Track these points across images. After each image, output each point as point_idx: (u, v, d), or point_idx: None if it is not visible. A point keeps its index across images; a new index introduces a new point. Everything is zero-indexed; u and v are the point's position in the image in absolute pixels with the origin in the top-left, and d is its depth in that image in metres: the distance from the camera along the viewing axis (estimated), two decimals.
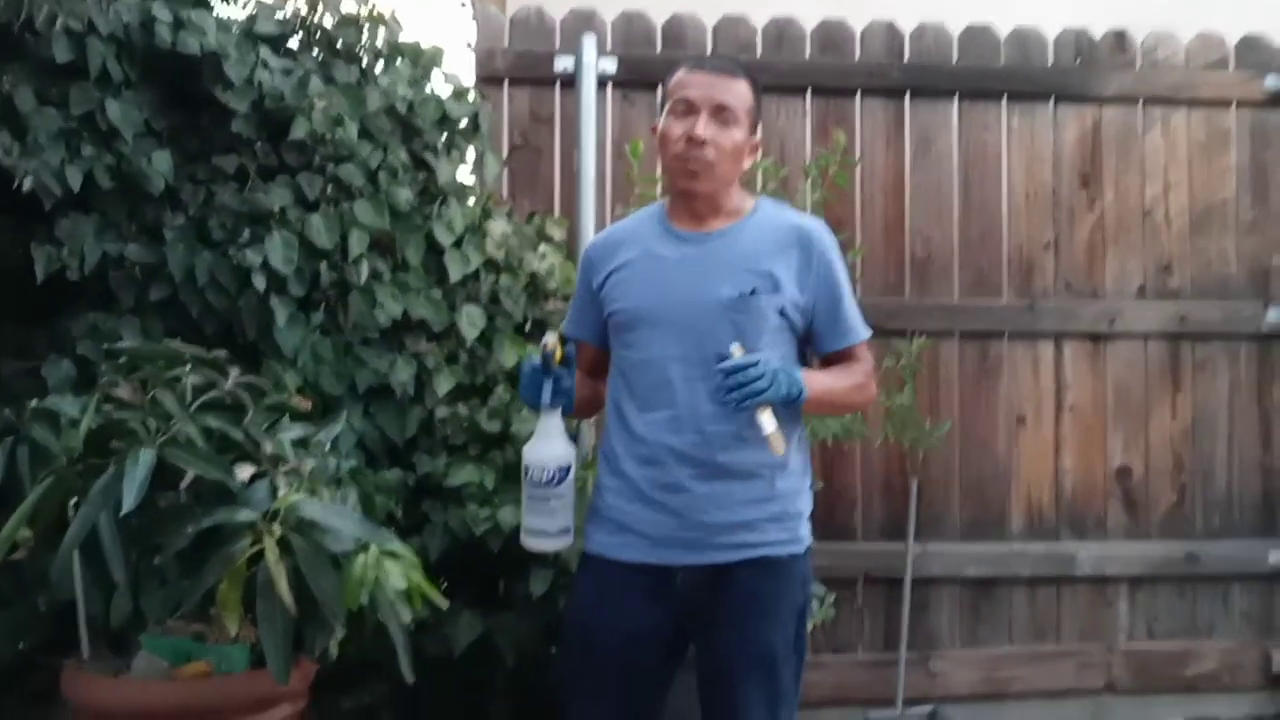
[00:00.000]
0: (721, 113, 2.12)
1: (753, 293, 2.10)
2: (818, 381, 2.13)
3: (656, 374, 2.12)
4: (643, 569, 2.13)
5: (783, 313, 2.12)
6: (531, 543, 2.16)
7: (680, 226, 2.19)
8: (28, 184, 2.61)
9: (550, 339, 2.12)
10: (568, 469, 2.11)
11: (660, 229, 2.21)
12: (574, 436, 2.14)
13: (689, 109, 2.12)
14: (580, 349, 2.29)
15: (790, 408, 2.07)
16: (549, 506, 2.11)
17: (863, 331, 2.25)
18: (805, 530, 2.20)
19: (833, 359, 2.22)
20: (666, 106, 2.18)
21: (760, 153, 3.59)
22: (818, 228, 2.22)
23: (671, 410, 2.10)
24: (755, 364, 1.99)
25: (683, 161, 2.13)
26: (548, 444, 2.11)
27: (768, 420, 2.00)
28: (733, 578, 2.10)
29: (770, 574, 2.12)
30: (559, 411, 2.12)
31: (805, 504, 2.21)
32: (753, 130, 2.19)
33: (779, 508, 2.13)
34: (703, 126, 2.10)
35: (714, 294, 2.10)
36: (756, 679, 2.10)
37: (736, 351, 2.02)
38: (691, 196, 2.17)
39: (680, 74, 2.18)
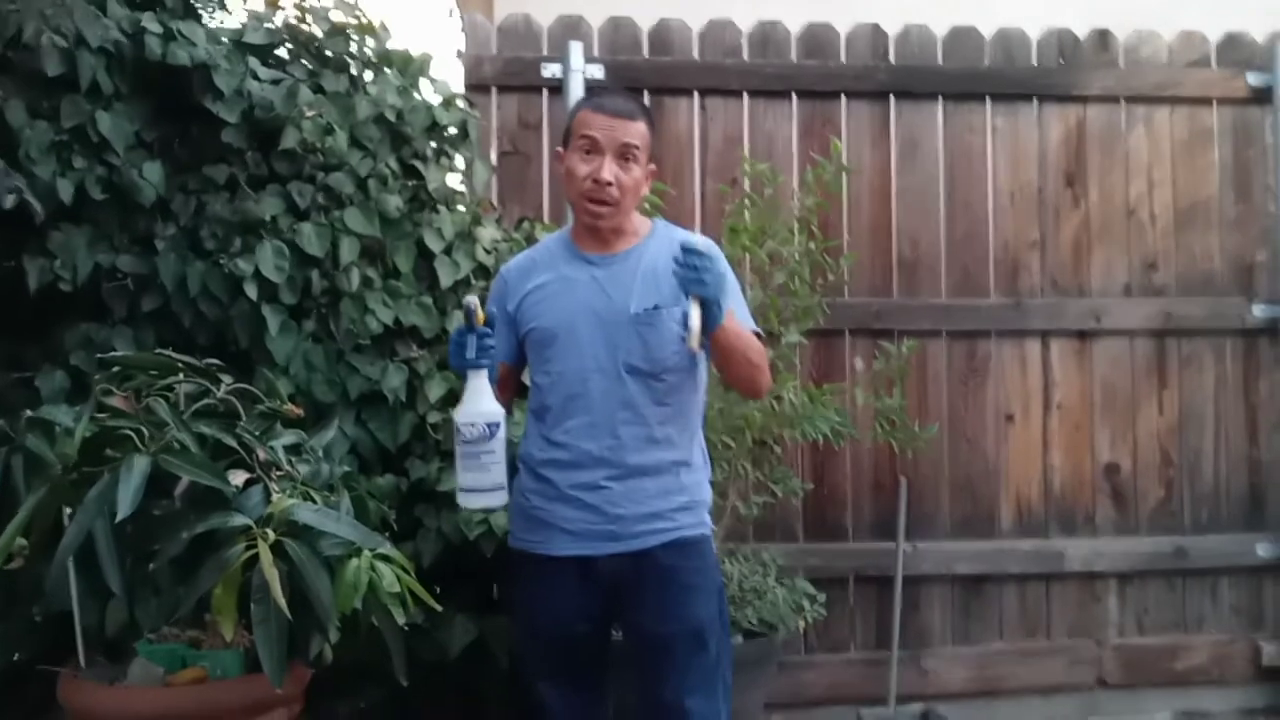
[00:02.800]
0: (624, 152, 2.30)
1: (655, 308, 2.30)
2: (730, 321, 2.27)
3: (575, 384, 2.30)
4: (568, 560, 2.31)
5: (684, 321, 2.24)
6: (468, 501, 2.26)
7: (586, 250, 2.38)
8: (9, 202, 2.61)
9: (473, 298, 2.23)
10: (497, 425, 2.21)
11: (568, 254, 2.40)
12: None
13: (593, 149, 2.30)
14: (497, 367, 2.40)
15: (708, 326, 2.17)
16: (481, 462, 2.20)
17: (751, 323, 2.43)
18: (708, 517, 2.42)
19: None
20: (571, 142, 2.34)
21: (747, 154, 3.65)
22: (708, 243, 2.39)
23: (589, 417, 2.29)
24: (713, 261, 2.14)
25: (590, 201, 2.32)
26: (477, 402, 2.21)
27: (695, 314, 2.14)
28: (652, 559, 2.30)
29: (685, 553, 2.32)
30: (484, 371, 2.22)
31: (707, 494, 2.43)
32: (649, 161, 2.38)
33: (686, 498, 2.35)
34: (608, 169, 2.29)
35: (623, 310, 2.30)
36: (691, 649, 2.29)
37: (698, 242, 2.17)
38: (597, 229, 2.36)
39: (584, 113, 2.35)
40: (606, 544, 2.29)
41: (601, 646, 2.41)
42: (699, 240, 2.39)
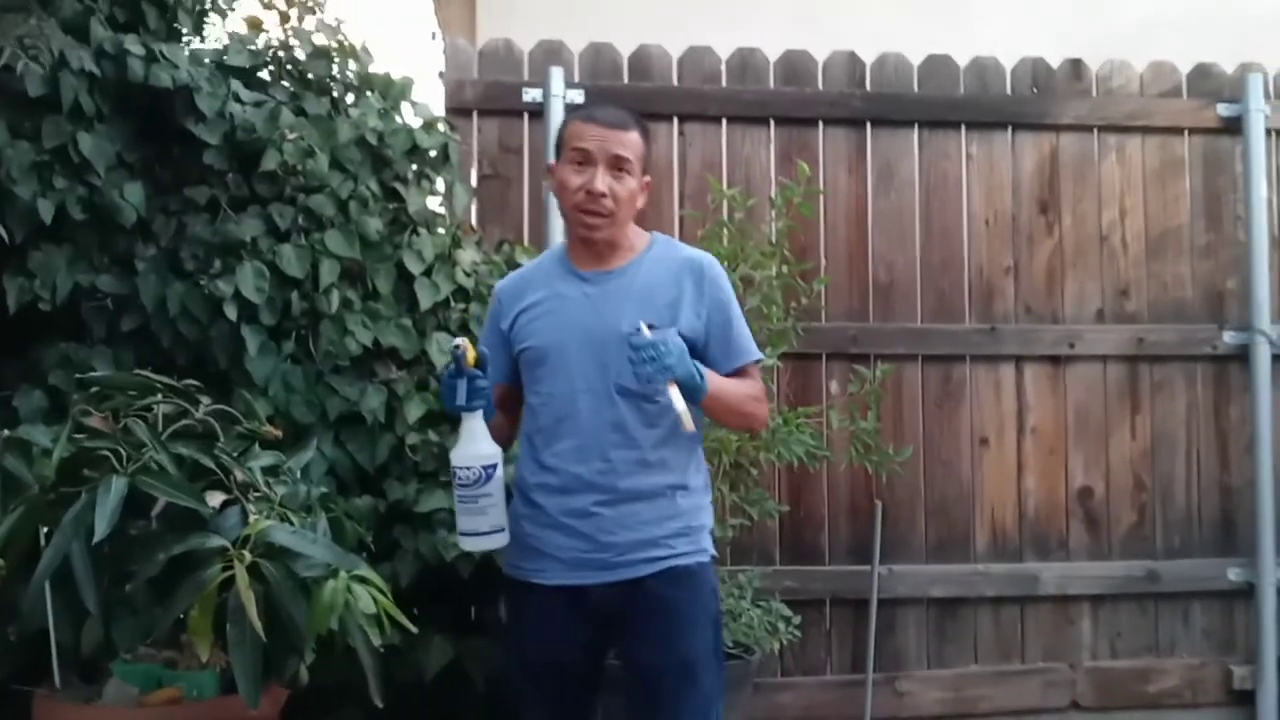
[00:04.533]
0: (617, 164, 2.25)
1: (651, 326, 2.20)
2: (715, 379, 2.24)
3: (564, 406, 2.25)
4: (560, 590, 2.26)
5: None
6: (467, 544, 2.24)
7: (581, 266, 2.32)
8: None
9: (462, 340, 2.19)
10: (494, 466, 2.17)
11: (563, 270, 2.35)
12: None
13: (586, 160, 2.25)
14: (495, 388, 2.35)
15: (693, 397, 2.16)
16: (478, 506, 2.17)
17: (754, 352, 2.37)
18: (709, 542, 2.34)
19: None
20: (563, 155, 2.29)
21: (725, 180, 3.69)
22: (708, 259, 2.38)
23: (578, 440, 2.24)
24: (665, 342, 2.11)
25: (583, 212, 2.26)
26: (471, 445, 2.17)
27: (677, 397, 2.11)
28: (645, 589, 2.23)
29: (680, 582, 2.25)
30: (479, 413, 2.18)
31: (707, 518, 2.35)
32: (644, 172, 2.33)
33: (683, 523, 2.28)
34: (600, 180, 2.24)
35: (615, 328, 2.23)
36: (680, 685, 2.22)
37: (645, 330, 2.14)
38: (591, 242, 2.30)
39: (575, 124, 2.30)
40: (599, 573, 2.23)
41: (592, 677, 2.34)
42: (696, 256, 2.33)
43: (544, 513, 2.26)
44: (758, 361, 2.39)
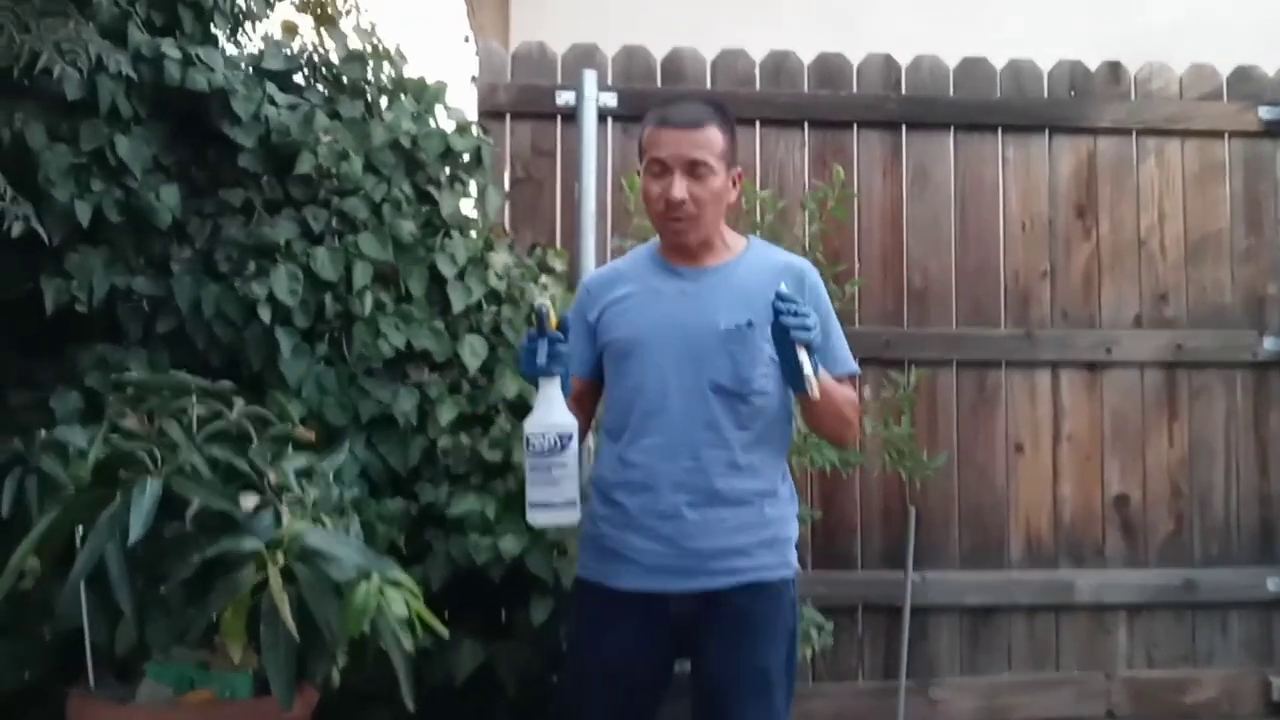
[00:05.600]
0: (694, 169, 2.17)
1: (749, 325, 2.15)
2: (823, 373, 2.14)
3: (652, 401, 2.17)
4: (636, 596, 2.18)
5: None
6: (538, 517, 2.11)
7: (675, 263, 2.26)
8: (16, 229, 2.60)
9: (545, 302, 2.12)
10: (569, 437, 2.07)
11: (656, 265, 2.28)
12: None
13: (663, 169, 2.18)
14: (571, 381, 2.29)
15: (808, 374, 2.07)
16: (551, 476, 2.07)
17: (851, 364, 2.31)
18: (793, 555, 2.26)
19: None
20: (643, 162, 2.23)
21: (758, 183, 3.67)
22: (808, 265, 2.31)
23: (666, 436, 2.16)
24: (804, 303, 2.07)
25: (666, 221, 2.21)
26: (547, 411, 2.08)
27: (807, 362, 2.03)
28: (725, 601, 2.16)
29: (762, 597, 2.17)
30: (557, 380, 2.09)
31: (793, 530, 2.27)
32: (731, 166, 2.23)
33: (770, 533, 2.20)
34: (678, 188, 2.16)
35: (711, 325, 2.17)
36: (751, 699, 2.15)
37: (798, 267, 2.11)
38: (684, 246, 2.24)
39: (649, 130, 2.22)
40: (679, 580, 2.15)
41: (660, 687, 2.26)
42: (796, 262, 2.29)
43: (624, 513, 2.19)
44: (854, 375, 2.33)
